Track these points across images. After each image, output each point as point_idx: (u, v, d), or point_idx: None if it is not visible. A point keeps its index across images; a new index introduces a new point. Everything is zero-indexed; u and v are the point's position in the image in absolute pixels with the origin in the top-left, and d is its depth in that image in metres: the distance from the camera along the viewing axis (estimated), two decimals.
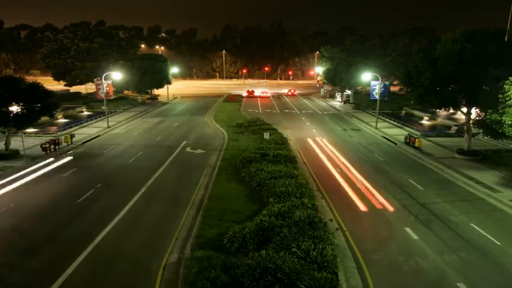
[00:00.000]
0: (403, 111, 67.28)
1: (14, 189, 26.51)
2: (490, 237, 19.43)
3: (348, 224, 21.07)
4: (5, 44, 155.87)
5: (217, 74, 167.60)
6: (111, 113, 61.35)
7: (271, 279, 14.15)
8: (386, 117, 58.52)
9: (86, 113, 65.29)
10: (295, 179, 25.56)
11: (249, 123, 50.46)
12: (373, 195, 25.53)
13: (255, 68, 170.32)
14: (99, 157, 35.56)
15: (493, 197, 25.03)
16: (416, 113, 63.43)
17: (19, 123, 34.20)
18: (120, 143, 41.59)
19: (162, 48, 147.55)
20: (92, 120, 55.54)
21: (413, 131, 47.82)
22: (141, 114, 64.31)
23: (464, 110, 35.14)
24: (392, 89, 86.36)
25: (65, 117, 59.26)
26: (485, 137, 38.72)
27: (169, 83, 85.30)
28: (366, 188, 26.99)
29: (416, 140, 38.70)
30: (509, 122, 26.23)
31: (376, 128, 50.58)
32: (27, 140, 38.62)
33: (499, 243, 18.83)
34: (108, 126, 50.29)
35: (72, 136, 40.36)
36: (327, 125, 54.72)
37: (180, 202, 24.23)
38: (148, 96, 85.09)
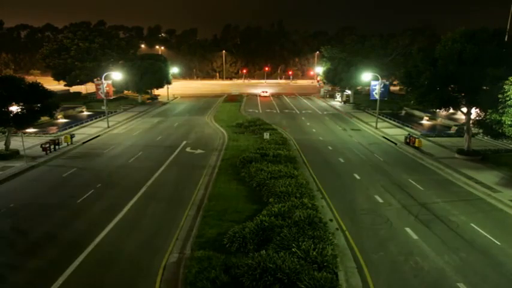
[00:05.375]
0: (403, 111, 67.30)
1: (13, 189, 26.59)
2: (489, 237, 19.43)
3: (348, 224, 21.08)
4: (5, 44, 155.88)
5: (217, 74, 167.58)
6: (111, 113, 61.37)
7: (271, 279, 14.15)
8: (386, 117, 58.51)
9: (86, 113, 65.33)
10: (295, 179, 25.56)
11: (249, 123, 50.50)
12: None
13: (255, 68, 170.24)
14: (99, 157, 35.55)
15: (493, 197, 25.02)
16: (417, 113, 63.44)
17: (19, 123, 34.18)
18: (120, 143, 41.60)
19: (162, 48, 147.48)
20: (92, 120, 55.52)
21: (413, 131, 47.82)
22: (141, 114, 64.31)
23: (464, 110, 35.12)
24: (392, 88, 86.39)
25: (65, 117, 59.29)
26: (485, 137, 38.73)
27: (169, 83, 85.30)
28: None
29: (417, 140, 38.69)
30: (509, 122, 26.23)
31: (376, 128, 50.58)
32: (27, 140, 38.65)
33: (498, 243, 18.83)
34: (108, 126, 50.29)
35: (72, 136, 40.35)
36: (327, 125, 54.73)
37: (180, 202, 24.23)
38: (148, 96, 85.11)
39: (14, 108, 33.90)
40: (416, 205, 23.82)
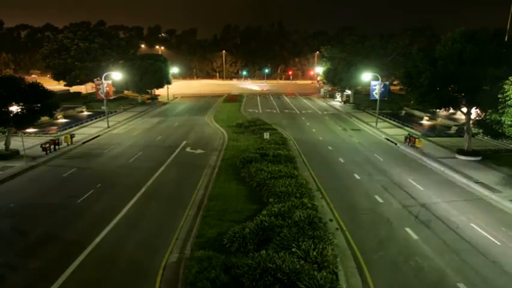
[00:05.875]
0: (403, 111, 67.30)
1: (13, 189, 26.59)
2: (489, 237, 19.44)
3: (348, 224, 21.08)
4: (5, 44, 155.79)
5: (217, 74, 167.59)
6: (111, 113, 61.36)
7: (271, 279, 14.14)
8: (387, 117, 58.50)
9: (86, 113, 65.28)
10: (295, 179, 25.55)
11: (249, 123, 50.49)
12: None
13: (255, 68, 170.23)
14: (99, 157, 35.55)
15: (493, 197, 25.03)
16: (417, 113, 63.43)
17: (19, 123, 34.19)
18: (120, 143, 41.59)
19: (162, 48, 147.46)
20: (92, 120, 55.50)
21: (413, 131, 47.81)
22: (141, 114, 64.30)
23: (464, 110, 35.12)
24: (392, 88, 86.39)
25: (65, 117, 59.24)
26: (485, 137, 38.73)
27: (169, 83, 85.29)
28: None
29: (417, 140, 38.68)
30: (509, 122, 26.23)
31: (376, 128, 50.58)
32: (27, 140, 38.64)
33: (499, 243, 18.84)
34: (108, 126, 50.28)
35: (72, 136, 40.34)
36: (327, 125, 54.73)
37: (180, 202, 24.24)
38: (148, 96, 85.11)
39: (14, 108, 33.89)
40: (417, 205, 23.82)
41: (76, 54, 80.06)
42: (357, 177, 29.72)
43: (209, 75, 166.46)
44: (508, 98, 25.71)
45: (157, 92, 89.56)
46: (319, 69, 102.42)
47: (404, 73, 36.90)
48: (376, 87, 54.84)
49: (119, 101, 76.82)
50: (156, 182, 28.53)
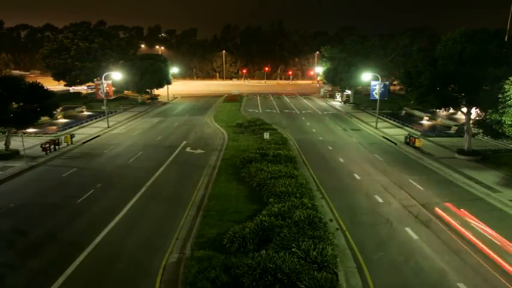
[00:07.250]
0: (403, 111, 67.30)
1: (13, 189, 26.58)
2: (490, 237, 19.39)
3: (348, 224, 21.07)
4: (5, 44, 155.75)
5: (217, 74, 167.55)
6: (111, 113, 61.37)
7: (271, 279, 14.14)
8: (387, 117, 58.50)
9: (86, 113, 65.27)
10: (295, 179, 25.55)
11: (249, 123, 50.51)
12: None
13: (255, 68, 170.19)
14: (99, 157, 35.55)
15: (493, 197, 25.02)
16: (417, 113, 63.43)
17: (19, 123, 34.18)
18: (120, 143, 41.59)
19: (162, 48, 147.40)
20: (92, 120, 55.51)
21: (413, 131, 47.81)
22: (141, 114, 64.30)
23: (464, 110, 35.12)
24: (392, 88, 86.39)
25: (65, 117, 59.25)
26: (485, 137, 38.73)
27: (169, 83, 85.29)
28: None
29: (417, 140, 38.68)
30: (509, 122, 26.25)
31: (376, 128, 50.57)
32: (27, 140, 38.64)
33: (498, 243, 18.82)
34: (108, 126, 50.28)
35: (72, 136, 40.34)
36: (327, 125, 54.72)
37: (180, 202, 24.23)
38: (148, 96, 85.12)
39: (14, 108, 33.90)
40: (416, 205, 23.82)
41: (76, 54, 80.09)
42: (357, 177, 29.72)
43: (209, 75, 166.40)
44: (508, 98, 25.72)
45: (157, 92, 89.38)
46: (319, 69, 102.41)
47: (404, 73, 36.90)
48: (376, 87, 54.85)
49: (119, 101, 76.82)
50: (156, 182, 28.53)
